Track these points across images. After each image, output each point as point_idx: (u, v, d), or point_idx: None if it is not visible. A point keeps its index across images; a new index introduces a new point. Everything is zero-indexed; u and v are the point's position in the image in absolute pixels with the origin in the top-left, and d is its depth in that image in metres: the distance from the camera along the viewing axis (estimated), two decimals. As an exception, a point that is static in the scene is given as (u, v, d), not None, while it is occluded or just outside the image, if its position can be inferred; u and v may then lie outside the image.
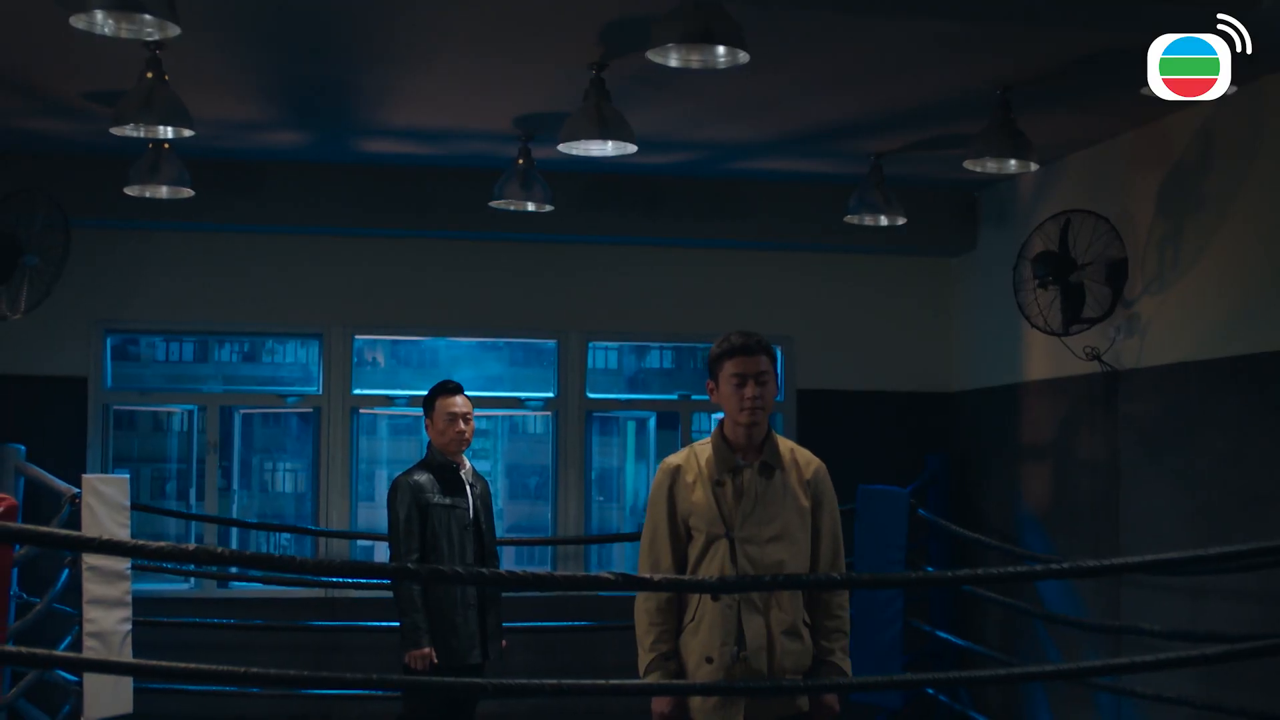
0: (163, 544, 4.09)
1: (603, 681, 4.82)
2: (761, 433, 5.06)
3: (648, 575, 4.81)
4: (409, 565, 6.39)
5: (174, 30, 5.29)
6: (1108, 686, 7.99)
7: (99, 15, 5.22)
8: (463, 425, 7.12)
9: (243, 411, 10.28)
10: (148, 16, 5.17)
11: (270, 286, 9.83)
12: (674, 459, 5.15)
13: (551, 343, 10.23)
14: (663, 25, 5.44)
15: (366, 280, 9.90)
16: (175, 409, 10.39)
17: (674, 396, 10.67)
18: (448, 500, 7.01)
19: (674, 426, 10.56)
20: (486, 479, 7.40)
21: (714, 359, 5.07)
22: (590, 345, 10.29)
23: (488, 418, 10.88)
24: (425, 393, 7.31)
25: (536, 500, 11.02)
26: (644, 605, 5.01)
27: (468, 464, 7.20)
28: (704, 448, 5.11)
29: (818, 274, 10.39)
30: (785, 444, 5.13)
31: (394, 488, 7.06)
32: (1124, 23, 5.99)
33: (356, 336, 9.99)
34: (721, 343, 5.08)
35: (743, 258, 10.28)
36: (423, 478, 7.04)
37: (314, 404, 9.91)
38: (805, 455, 5.15)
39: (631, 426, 11.24)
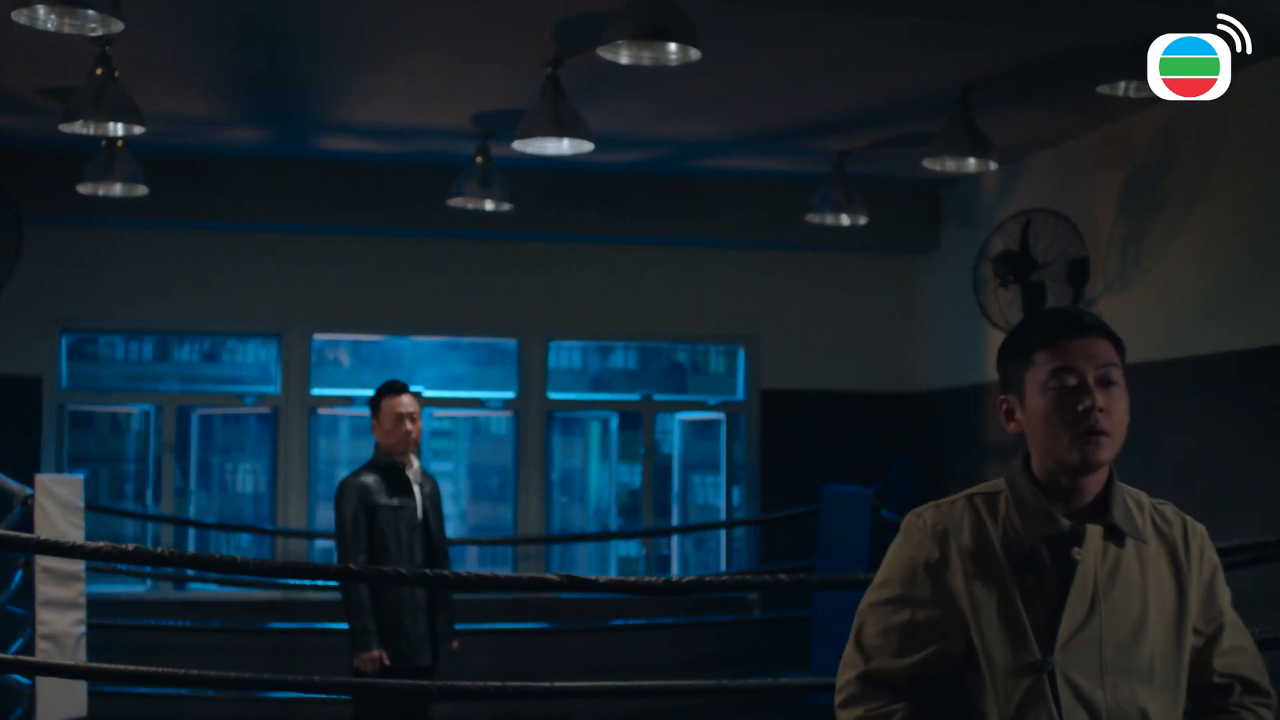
0: (100, 544, 4.05)
1: (547, 684, 4.76)
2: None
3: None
4: (354, 568, 6.30)
5: (117, 26, 5.21)
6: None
7: (40, 10, 5.14)
8: (409, 425, 7.01)
9: (201, 412, 10.19)
10: (90, 11, 5.08)
11: (228, 285, 9.70)
12: (937, 513, 2.94)
13: (513, 342, 10.16)
14: (615, 22, 5.38)
15: (324, 279, 9.78)
16: (132, 409, 10.27)
17: (636, 397, 10.61)
18: (395, 501, 6.92)
19: (636, 427, 10.50)
20: (437, 479, 7.33)
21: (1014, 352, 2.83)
22: (552, 345, 10.21)
23: (450, 418, 10.81)
24: (380, 393, 7.24)
25: (499, 501, 10.96)
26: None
27: (415, 463, 7.10)
28: (990, 499, 2.95)
29: (781, 273, 10.33)
30: (1134, 495, 3.02)
31: (340, 489, 6.98)
32: (1121, 23, 5.96)
33: (315, 336, 9.89)
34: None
35: (705, 256, 10.21)
36: (369, 479, 6.95)
37: (272, 404, 9.81)
38: (1173, 513, 3.01)
39: (595, 427, 11.18)
